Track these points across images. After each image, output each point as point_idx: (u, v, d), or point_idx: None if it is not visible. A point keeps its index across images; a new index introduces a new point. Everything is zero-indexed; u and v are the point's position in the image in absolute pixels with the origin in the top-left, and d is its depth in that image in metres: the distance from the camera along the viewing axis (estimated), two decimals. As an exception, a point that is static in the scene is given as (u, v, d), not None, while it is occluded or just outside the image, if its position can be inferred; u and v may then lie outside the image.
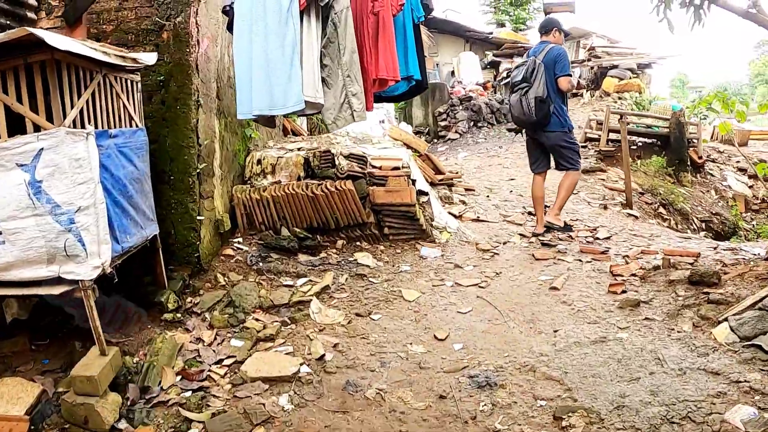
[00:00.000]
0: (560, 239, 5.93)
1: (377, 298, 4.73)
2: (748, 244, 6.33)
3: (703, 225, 10.22)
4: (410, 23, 4.84)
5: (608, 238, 6.27)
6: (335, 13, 4.24)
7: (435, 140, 16.65)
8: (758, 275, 4.23)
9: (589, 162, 11.08)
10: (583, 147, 12.19)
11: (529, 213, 7.21)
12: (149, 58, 3.84)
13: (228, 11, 4.47)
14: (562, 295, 4.70)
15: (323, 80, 4.32)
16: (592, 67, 23.74)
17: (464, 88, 18.83)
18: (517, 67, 5.77)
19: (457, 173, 8.96)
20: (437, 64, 22.27)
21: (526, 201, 7.84)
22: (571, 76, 5.48)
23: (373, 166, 5.83)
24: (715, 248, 5.74)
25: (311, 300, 4.48)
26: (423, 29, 5.56)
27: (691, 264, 4.84)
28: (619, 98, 22.23)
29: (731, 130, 9.86)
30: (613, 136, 12.02)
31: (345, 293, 4.78)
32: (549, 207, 6.35)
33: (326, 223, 5.57)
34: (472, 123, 16.95)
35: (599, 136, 12.04)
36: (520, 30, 27.56)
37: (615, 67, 23.06)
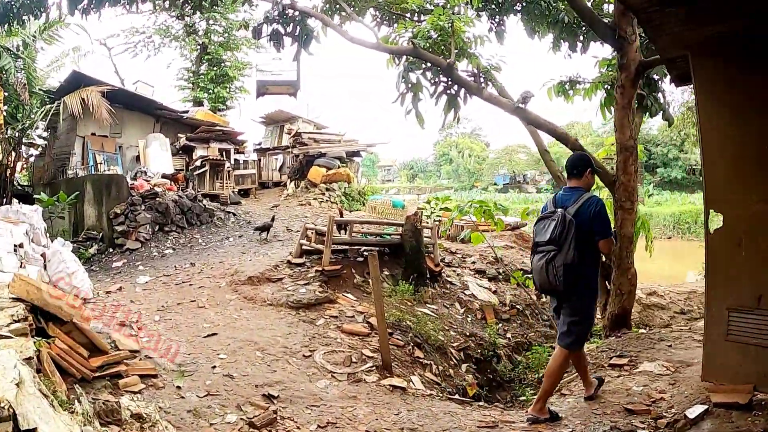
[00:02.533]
0: None
1: None
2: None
3: (462, 355, 8.22)
4: None
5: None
6: None
7: (110, 250, 12.42)
8: None
9: (311, 290, 8.38)
10: (299, 266, 9.56)
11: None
12: None
13: None
14: None
15: None
16: (297, 155, 22.31)
17: (149, 181, 15.03)
18: (541, 219, 4.55)
19: (129, 352, 5.20)
20: (120, 147, 18.07)
21: (245, 390, 4.63)
22: (613, 236, 4.47)
23: None
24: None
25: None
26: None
27: None
28: (327, 189, 21.25)
29: (481, 237, 8.26)
30: (336, 246, 9.67)
31: None
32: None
33: None
34: (157, 227, 13.21)
35: (320, 250, 9.50)
36: (220, 110, 25.06)
37: (323, 155, 21.83)
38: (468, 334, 8.75)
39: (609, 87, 7.80)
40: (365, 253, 10.20)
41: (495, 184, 56.82)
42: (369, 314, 7.79)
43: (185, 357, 5.67)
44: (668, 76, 8.18)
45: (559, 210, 4.37)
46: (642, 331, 7.72)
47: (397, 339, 7.21)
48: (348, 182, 21.53)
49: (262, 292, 8.56)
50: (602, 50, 8.44)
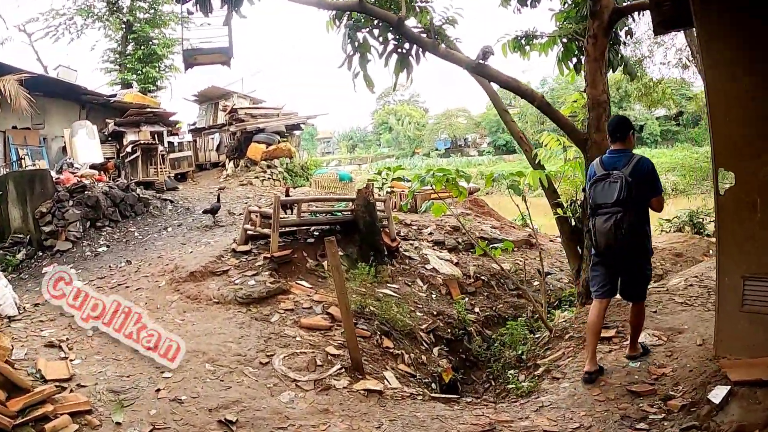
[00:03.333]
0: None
1: None
2: None
3: (432, 337, 7.65)
4: None
5: None
6: None
7: (39, 253, 11.13)
8: None
9: (261, 281, 7.59)
10: (245, 254, 8.72)
11: None
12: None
13: None
14: None
15: None
16: (234, 133, 21.00)
17: (75, 173, 13.64)
18: (597, 181, 4.52)
19: (56, 387, 4.28)
20: (44, 139, 16.41)
21: (197, 417, 3.85)
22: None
23: None
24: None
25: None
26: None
27: None
28: (269, 166, 20.22)
29: (443, 207, 7.61)
30: (284, 229, 8.88)
31: None
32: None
33: None
34: (88, 223, 11.90)
35: (267, 234, 8.66)
36: (150, 92, 23.34)
37: (261, 131, 20.58)
38: (435, 312, 8.18)
39: (567, 41, 7.23)
40: (316, 233, 9.45)
41: (436, 149, 56.59)
42: (327, 303, 7.07)
43: (124, 380, 4.80)
44: (626, 27, 7.76)
45: (616, 171, 4.40)
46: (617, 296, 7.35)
47: (363, 329, 6.53)
48: (290, 158, 20.48)
49: (207, 288, 7.69)
50: (553, 3, 7.91)
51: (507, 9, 7.88)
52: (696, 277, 7.01)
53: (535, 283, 9.79)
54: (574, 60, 7.42)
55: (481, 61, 6.10)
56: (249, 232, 9.16)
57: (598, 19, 5.64)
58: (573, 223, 7.25)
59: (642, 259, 4.60)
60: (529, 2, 7.78)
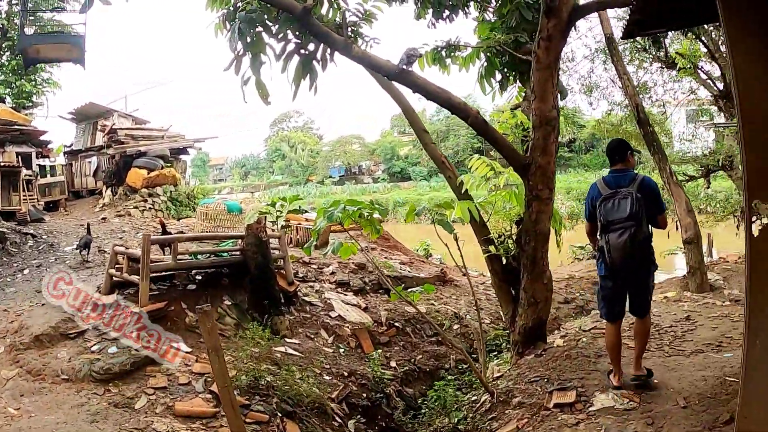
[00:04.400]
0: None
1: None
2: None
3: (345, 406, 6.21)
4: None
5: None
6: None
7: None
8: None
9: (125, 347, 5.87)
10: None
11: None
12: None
13: None
14: None
15: None
16: (113, 156, 18.70)
17: None
18: (605, 200, 4.58)
19: None
20: None
21: None
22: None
23: None
24: None
25: None
26: None
27: None
28: (150, 195, 17.92)
29: (353, 248, 6.24)
30: (158, 274, 7.16)
31: None
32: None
33: None
34: None
35: (136, 282, 6.89)
36: (26, 108, 20.31)
37: (143, 154, 18.39)
38: (346, 373, 6.78)
39: (491, 55, 6.26)
40: (198, 277, 7.76)
41: (330, 177, 55.83)
42: (212, 376, 5.45)
43: None
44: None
45: (623, 189, 4.51)
46: (558, 341, 6.37)
47: (259, 412, 4.99)
48: (174, 185, 18.38)
49: (56, 359, 5.84)
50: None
51: (423, 22, 6.87)
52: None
53: (455, 326, 8.69)
54: (499, 76, 6.50)
55: (404, 67, 4.92)
56: (115, 279, 7.32)
57: (556, 17, 4.63)
58: (505, 261, 6.19)
59: (650, 270, 4.73)
60: (445, 15, 6.78)
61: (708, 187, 11.56)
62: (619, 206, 4.51)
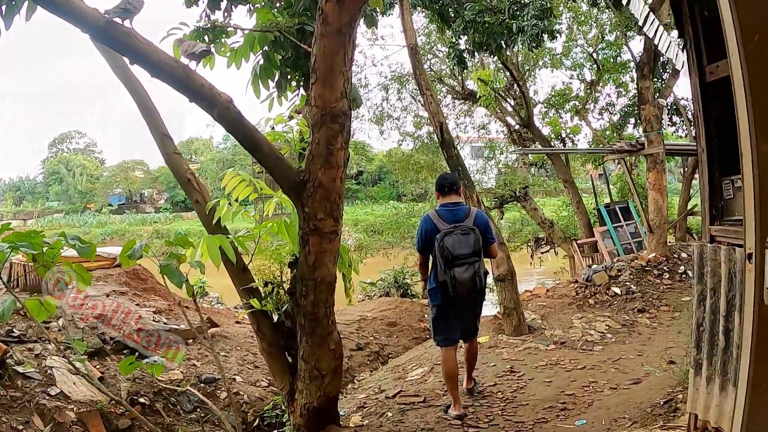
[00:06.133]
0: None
1: None
2: None
3: None
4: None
5: None
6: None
7: None
8: None
9: None
10: None
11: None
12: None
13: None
14: None
15: None
16: None
17: None
18: (447, 234, 4.64)
19: None
20: None
21: None
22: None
23: None
24: None
25: None
26: None
27: None
28: None
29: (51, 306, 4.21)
30: None
31: None
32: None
33: None
34: None
35: None
36: None
37: None
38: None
39: (269, 48, 4.77)
40: None
41: (110, 205, 50.33)
42: None
43: None
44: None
45: (462, 224, 4.68)
46: (355, 419, 5.01)
47: None
48: None
49: None
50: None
51: (194, 11, 5.24)
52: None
53: (223, 395, 6.88)
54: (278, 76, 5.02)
55: (117, 20, 3.20)
56: None
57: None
58: (276, 318, 4.60)
59: (484, 296, 5.07)
60: (223, 6, 5.21)
61: (501, 218, 11.53)
62: (464, 241, 4.61)
